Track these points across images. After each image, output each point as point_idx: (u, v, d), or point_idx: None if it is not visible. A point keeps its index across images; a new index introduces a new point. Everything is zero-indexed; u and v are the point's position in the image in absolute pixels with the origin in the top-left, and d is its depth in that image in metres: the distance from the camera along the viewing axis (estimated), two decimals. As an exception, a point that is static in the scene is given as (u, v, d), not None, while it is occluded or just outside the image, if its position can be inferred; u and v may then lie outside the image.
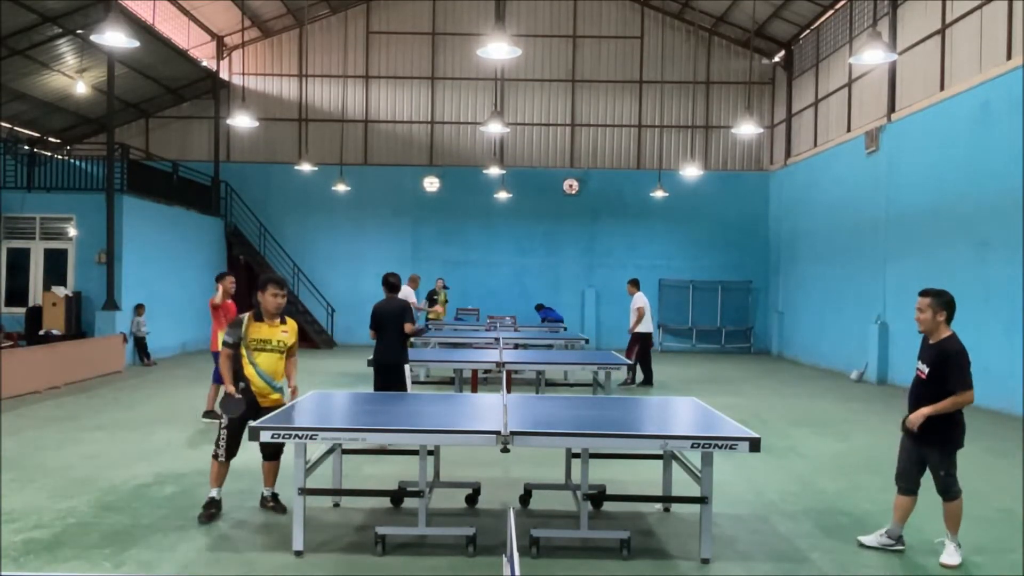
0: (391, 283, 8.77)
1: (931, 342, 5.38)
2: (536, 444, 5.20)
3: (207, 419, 9.85)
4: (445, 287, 19.25)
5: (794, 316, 21.13)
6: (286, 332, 6.16)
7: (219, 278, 10.10)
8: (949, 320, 5.34)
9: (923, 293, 5.41)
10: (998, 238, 12.32)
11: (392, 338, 8.54)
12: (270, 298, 6.09)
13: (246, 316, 6.17)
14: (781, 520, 6.31)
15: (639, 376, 14.25)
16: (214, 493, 6.06)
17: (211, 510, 5.99)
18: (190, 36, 21.44)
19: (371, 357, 8.88)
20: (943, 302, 5.32)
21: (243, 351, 6.05)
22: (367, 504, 6.35)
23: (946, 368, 5.21)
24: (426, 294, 18.73)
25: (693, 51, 23.18)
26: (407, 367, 8.66)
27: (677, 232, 23.02)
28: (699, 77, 23.13)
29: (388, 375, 8.51)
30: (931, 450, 5.34)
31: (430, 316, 18.11)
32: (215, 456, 6.02)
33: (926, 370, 5.35)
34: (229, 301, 9.93)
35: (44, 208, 17.15)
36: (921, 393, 5.35)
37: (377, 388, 8.68)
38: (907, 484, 5.50)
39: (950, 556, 5.30)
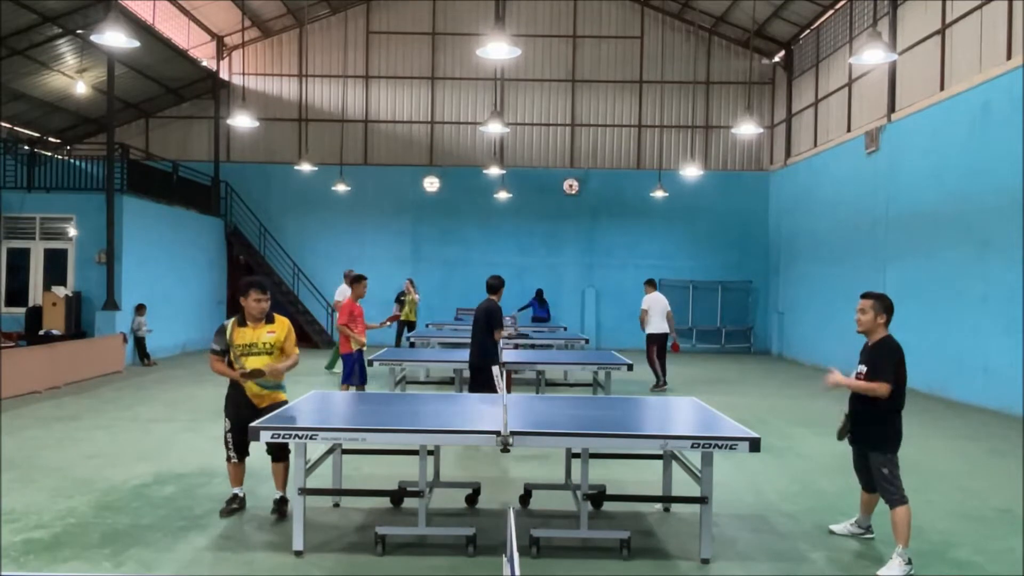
0: (488, 284, 9.11)
1: (870, 344, 5.53)
2: (536, 444, 5.20)
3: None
4: (413, 288, 18.68)
5: (794, 316, 21.13)
6: (272, 332, 6.05)
7: (355, 280, 10.27)
8: (888, 323, 5.52)
9: (865, 295, 5.60)
10: (998, 238, 12.32)
11: (476, 340, 8.87)
12: (253, 303, 6.00)
13: (230, 322, 6.11)
14: (781, 520, 6.31)
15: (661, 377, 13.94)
16: (236, 491, 6.24)
17: (232, 505, 6.17)
18: (190, 36, 21.45)
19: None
20: (885, 305, 5.52)
21: (232, 358, 6.05)
22: (367, 504, 6.35)
23: (875, 365, 5.37)
24: (395, 296, 18.53)
25: (693, 51, 23.18)
26: (494, 369, 8.71)
27: (677, 232, 23.02)
28: (699, 77, 23.13)
29: (475, 376, 8.89)
30: (871, 449, 5.37)
31: (400, 317, 17.91)
32: (228, 459, 6.18)
33: (864, 370, 5.47)
34: (358, 305, 10.14)
35: (44, 208, 17.15)
36: (859, 398, 5.46)
37: (470, 389, 8.97)
38: (864, 480, 5.70)
39: (889, 568, 5.08)
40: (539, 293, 20.68)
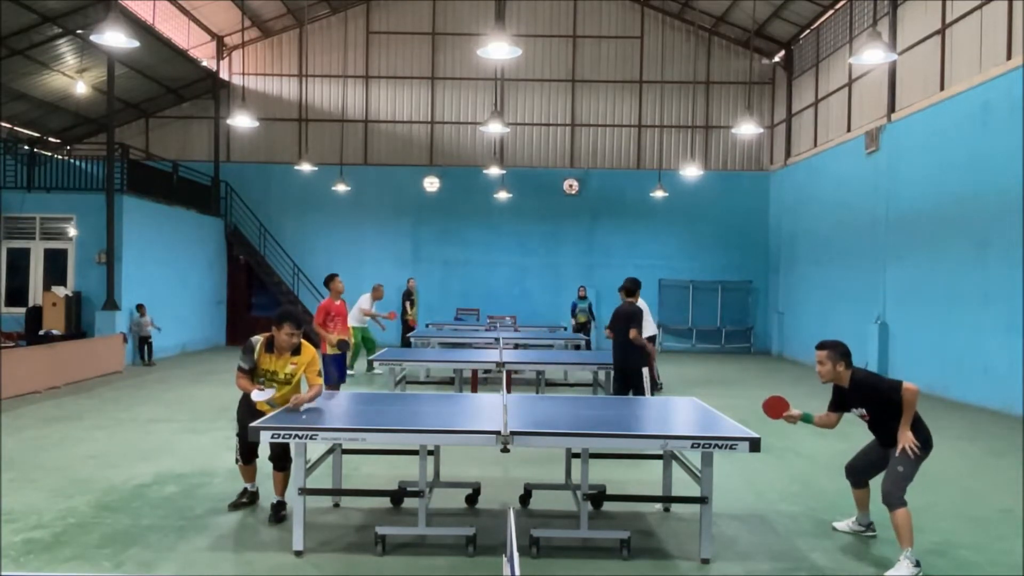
0: (626, 288, 9.33)
1: (846, 388, 5.53)
2: (536, 444, 5.20)
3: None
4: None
5: (794, 316, 21.13)
6: (295, 364, 6.06)
7: (328, 280, 10.47)
8: (848, 366, 5.54)
9: (820, 346, 5.60)
10: (998, 238, 12.32)
11: (621, 342, 9.01)
12: (284, 336, 5.97)
13: (259, 344, 6.07)
14: (781, 520, 6.31)
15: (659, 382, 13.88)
16: (248, 486, 6.35)
17: (242, 499, 6.30)
18: (190, 36, 21.44)
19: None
20: (840, 353, 5.54)
21: (255, 376, 6.10)
22: (367, 504, 6.35)
23: (875, 392, 5.40)
24: (402, 295, 18.39)
25: (693, 51, 23.18)
26: (644, 371, 9.07)
27: (677, 232, 23.02)
28: (699, 77, 23.13)
29: (621, 378, 9.08)
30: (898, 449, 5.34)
31: (407, 318, 17.90)
32: (236, 461, 6.30)
33: (864, 411, 5.50)
34: (339, 302, 10.31)
35: (44, 208, 17.15)
36: (881, 428, 5.48)
37: (614, 391, 9.18)
38: (856, 478, 5.81)
39: (897, 569, 5.07)
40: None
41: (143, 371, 15.74)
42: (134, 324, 16.63)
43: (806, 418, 5.66)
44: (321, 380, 6.19)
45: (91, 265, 16.83)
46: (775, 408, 5.72)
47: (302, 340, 6.14)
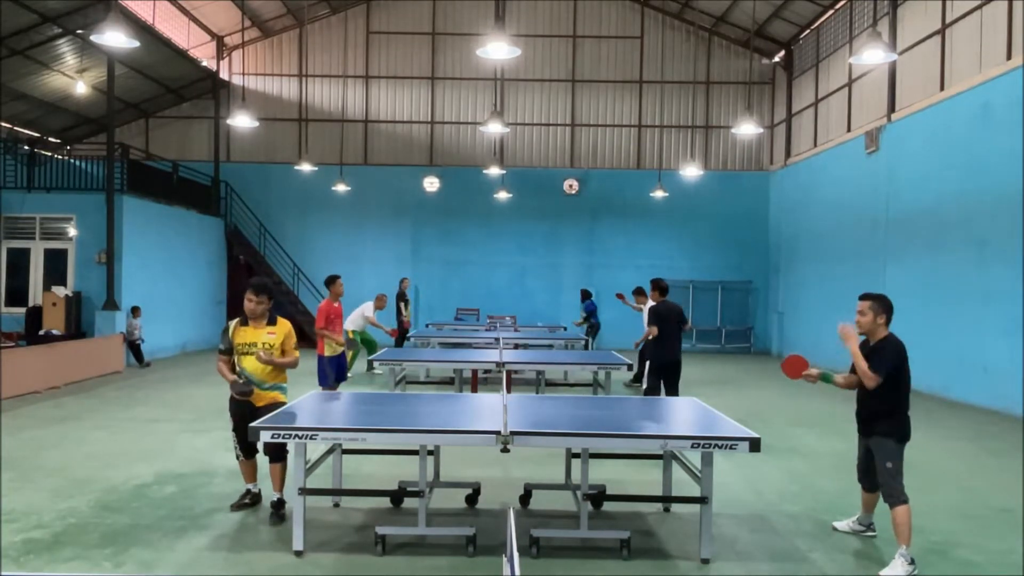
0: (663, 287, 9.85)
1: (872, 344, 5.48)
2: (536, 444, 5.19)
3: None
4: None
5: (794, 316, 21.13)
6: (272, 334, 6.15)
7: (330, 281, 10.45)
8: (888, 323, 5.49)
9: (863, 297, 5.57)
10: (998, 238, 12.32)
11: (678, 338, 9.53)
12: (247, 303, 6.18)
13: (233, 322, 6.27)
14: (781, 520, 6.31)
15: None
16: (250, 486, 6.37)
17: (244, 500, 6.31)
18: (190, 36, 21.45)
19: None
20: (884, 305, 5.48)
21: (235, 358, 6.18)
22: (367, 504, 6.35)
23: (875, 356, 5.34)
24: (395, 296, 18.20)
25: (693, 51, 23.18)
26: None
27: (677, 232, 23.02)
28: (699, 77, 23.14)
29: (667, 374, 9.52)
30: (878, 440, 5.34)
31: (402, 319, 17.83)
32: (236, 457, 6.32)
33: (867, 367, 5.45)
34: (337, 304, 10.24)
35: (44, 208, 17.15)
36: (866, 391, 5.43)
37: (651, 389, 9.52)
38: (865, 482, 5.74)
39: (892, 568, 5.06)
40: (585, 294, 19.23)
41: (143, 371, 15.73)
42: (127, 325, 16.51)
43: (825, 377, 5.65)
44: (297, 353, 6.31)
45: (91, 265, 16.83)
46: (794, 367, 5.73)
47: (279, 317, 6.28)
